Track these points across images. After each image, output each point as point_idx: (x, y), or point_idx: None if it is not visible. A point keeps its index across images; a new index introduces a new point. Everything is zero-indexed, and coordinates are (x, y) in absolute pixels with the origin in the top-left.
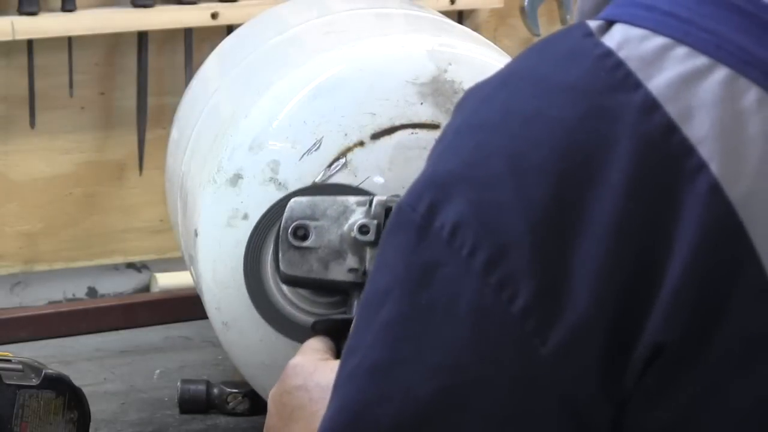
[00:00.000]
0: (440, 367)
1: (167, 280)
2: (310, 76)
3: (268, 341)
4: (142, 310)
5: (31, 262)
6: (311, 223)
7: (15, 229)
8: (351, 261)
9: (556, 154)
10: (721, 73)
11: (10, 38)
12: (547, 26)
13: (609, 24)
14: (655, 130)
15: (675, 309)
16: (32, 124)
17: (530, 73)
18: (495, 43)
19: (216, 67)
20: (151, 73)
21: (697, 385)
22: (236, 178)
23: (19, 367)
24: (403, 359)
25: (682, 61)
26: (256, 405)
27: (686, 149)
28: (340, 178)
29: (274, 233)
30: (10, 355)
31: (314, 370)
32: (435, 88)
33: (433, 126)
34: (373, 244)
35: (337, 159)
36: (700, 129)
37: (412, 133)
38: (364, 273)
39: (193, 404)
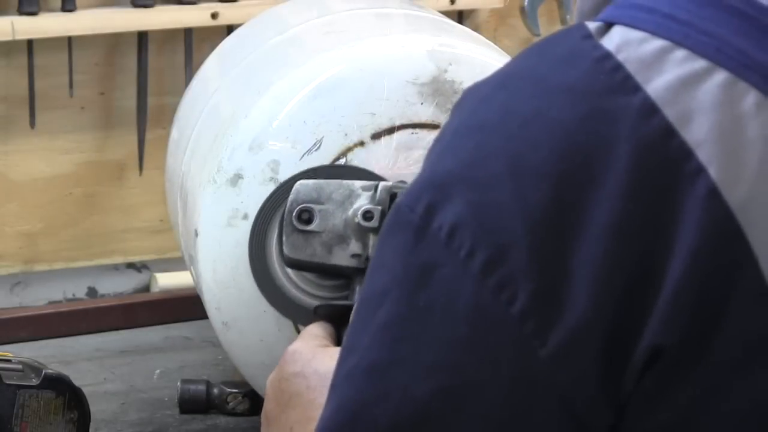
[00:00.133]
0: (438, 367)
1: (167, 280)
2: (310, 76)
3: (268, 341)
4: (142, 310)
5: (31, 262)
6: (316, 207)
7: (15, 229)
8: (354, 246)
9: (555, 156)
10: (720, 76)
11: (10, 38)
12: (547, 26)
13: (608, 26)
14: (653, 133)
15: (674, 312)
16: (32, 124)
17: (529, 74)
18: (495, 43)
19: (216, 67)
20: (151, 73)
21: (696, 388)
22: (236, 178)
23: (19, 367)
24: (400, 360)
25: (680, 64)
26: (256, 405)
27: (685, 153)
28: None
29: (279, 217)
30: (10, 355)
31: (312, 357)
32: (435, 88)
33: (433, 126)
34: (376, 230)
35: (337, 159)
36: (698, 132)
37: (413, 133)
38: (367, 259)
39: (193, 404)
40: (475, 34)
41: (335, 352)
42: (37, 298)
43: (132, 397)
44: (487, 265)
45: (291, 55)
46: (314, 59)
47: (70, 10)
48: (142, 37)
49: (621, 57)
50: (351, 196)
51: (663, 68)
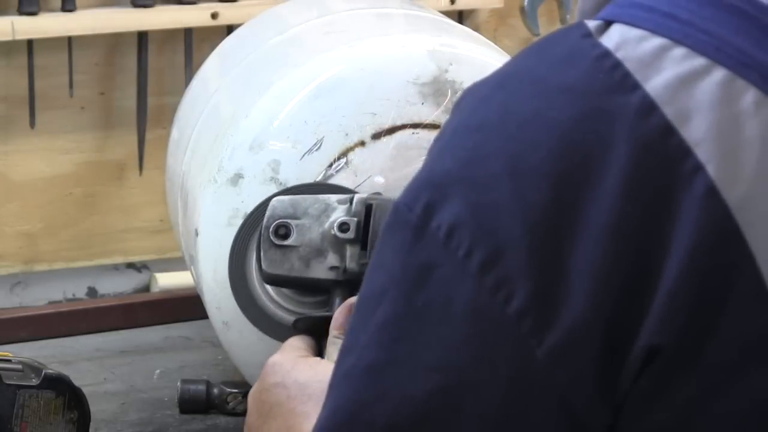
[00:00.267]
0: (436, 367)
1: (167, 280)
2: (310, 76)
3: (268, 341)
4: (142, 310)
5: (31, 262)
6: (293, 222)
7: (15, 229)
8: (332, 259)
9: (553, 156)
10: (719, 74)
11: (10, 38)
12: (547, 26)
13: (607, 24)
14: (652, 131)
15: (671, 312)
16: (32, 124)
17: (528, 74)
18: (495, 43)
19: (216, 67)
20: (151, 73)
21: (693, 388)
22: (237, 178)
23: (19, 367)
24: (398, 359)
25: (680, 61)
26: None
27: (683, 151)
28: (341, 178)
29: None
30: (10, 355)
31: (292, 368)
32: (436, 88)
33: (434, 126)
34: (353, 241)
35: (337, 159)
36: (697, 131)
37: (413, 133)
38: (345, 270)
39: (193, 404)
40: (475, 34)
41: (315, 362)
42: (37, 298)
43: (132, 397)
44: (485, 264)
45: (291, 55)
46: (314, 59)
47: (70, 10)
48: (142, 37)
49: (620, 55)
50: (327, 209)
51: (662, 66)
